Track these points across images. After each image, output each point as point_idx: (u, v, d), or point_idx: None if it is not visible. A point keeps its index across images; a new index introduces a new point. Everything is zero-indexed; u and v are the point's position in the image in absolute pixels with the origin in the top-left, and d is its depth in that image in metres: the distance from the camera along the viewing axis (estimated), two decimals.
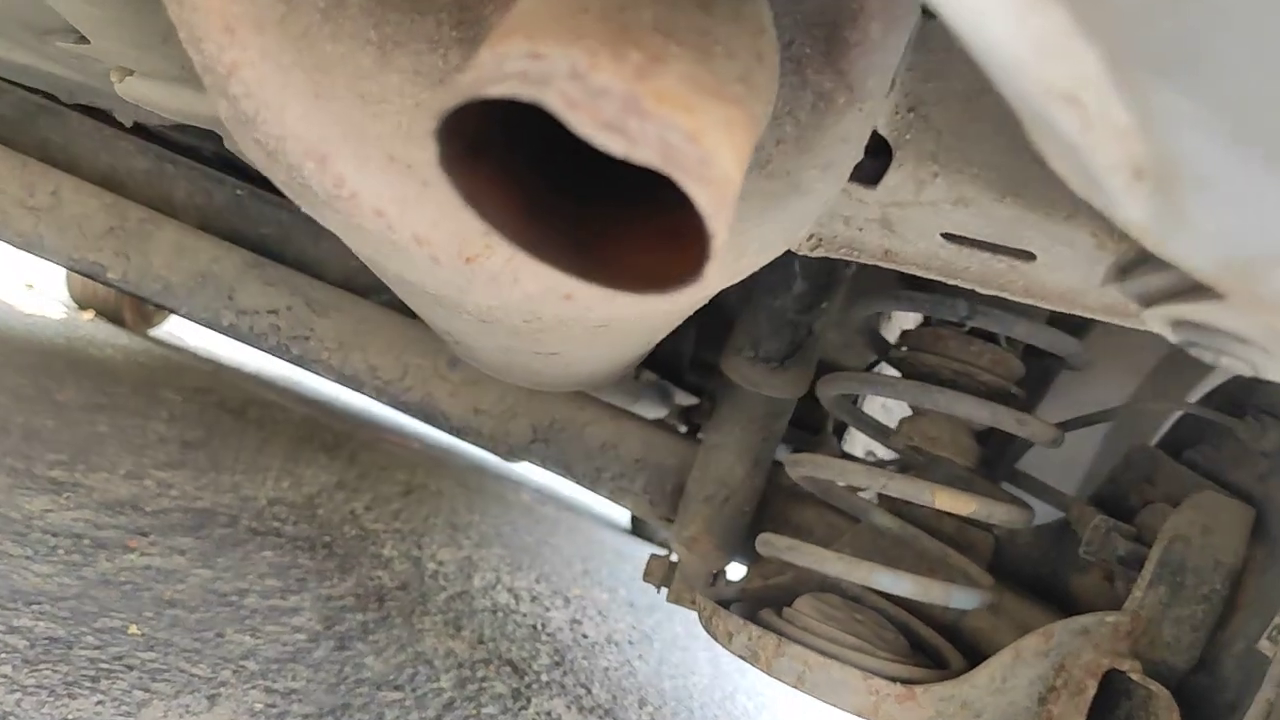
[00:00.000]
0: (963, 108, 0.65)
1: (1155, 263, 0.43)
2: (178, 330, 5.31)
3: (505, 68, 0.37)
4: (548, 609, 2.78)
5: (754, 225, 0.61)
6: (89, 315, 4.54)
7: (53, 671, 1.30)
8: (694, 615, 1.37)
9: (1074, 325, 1.33)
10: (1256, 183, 0.33)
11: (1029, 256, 0.71)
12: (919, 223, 0.69)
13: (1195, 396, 1.47)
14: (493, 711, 1.84)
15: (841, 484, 1.42)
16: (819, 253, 0.74)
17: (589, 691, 2.22)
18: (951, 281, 0.74)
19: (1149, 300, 0.44)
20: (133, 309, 4.60)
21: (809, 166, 0.60)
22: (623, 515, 5.83)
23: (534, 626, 2.53)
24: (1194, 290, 0.41)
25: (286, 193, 0.63)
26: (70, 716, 1.22)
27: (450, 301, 0.68)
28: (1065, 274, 0.70)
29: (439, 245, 0.58)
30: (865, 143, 0.65)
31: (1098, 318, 0.73)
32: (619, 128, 0.36)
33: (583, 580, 3.42)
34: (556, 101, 0.35)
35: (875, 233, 0.71)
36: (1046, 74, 0.31)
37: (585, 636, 2.69)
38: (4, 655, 1.29)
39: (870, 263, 0.74)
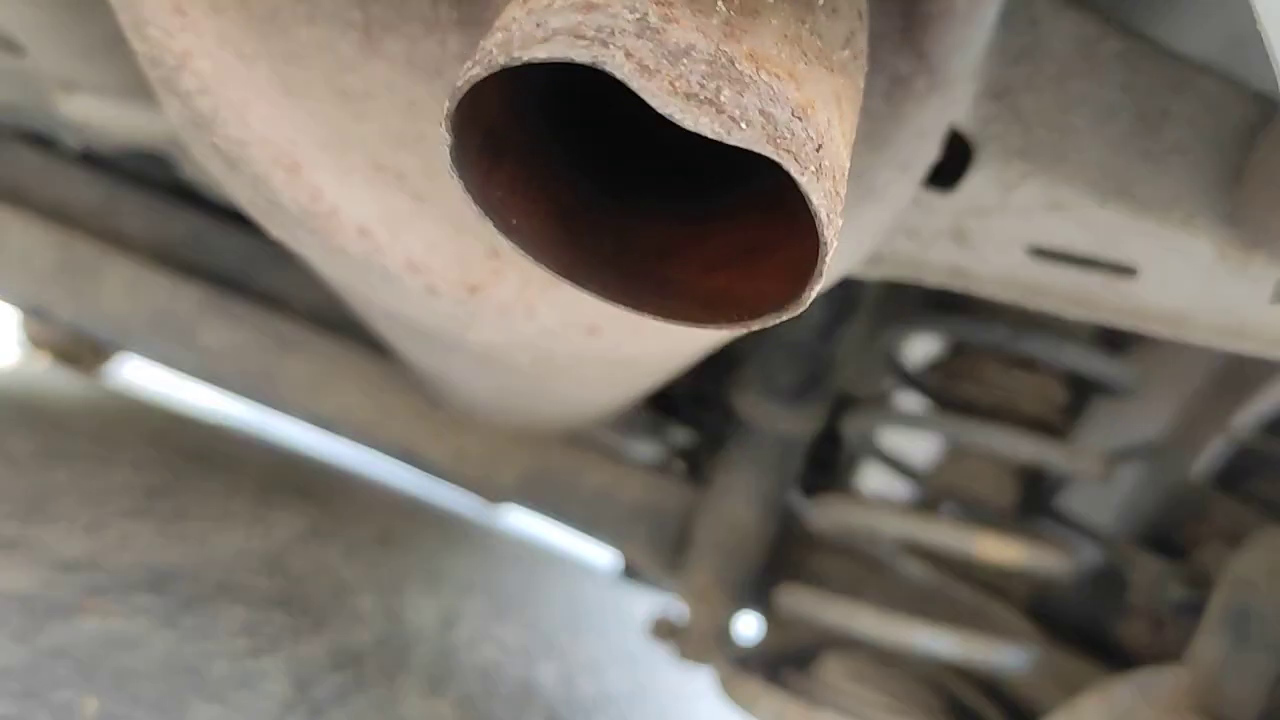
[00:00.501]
0: (1058, 94, 0.54)
1: None
2: (140, 373, 5.17)
3: (549, 24, 0.26)
4: (536, 662, 2.64)
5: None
6: (44, 358, 4.44)
7: None
8: (716, 688, 1.25)
9: (1114, 347, 1.23)
10: None
11: (1130, 272, 0.60)
12: (1001, 234, 0.58)
13: (1246, 422, 1.37)
14: None
15: (870, 531, 1.31)
16: (878, 273, 0.63)
17: None
18: (1033, 306, 0.63)
19: None
20: (89, 348, 4.50)
21: (883, 166, 0.49)
22: (613, 559, 5.69)
23: (523, 684, 2.39)
24: None
25: (250, 212, 0.52)
26: None
27: (448, 339, 0.57)
28: (1175, 290, 0.59)
29: (438, 271, 0.46)
30: (943, 138, 0.54)
31: (1208, 343, 0.63)
32: (709, 99, 0.25)
33: (571, 628, 3.29)
34: (623, 65, 0.25)
35: (946, 248, 0.59)
36: None
37: (578, 692, 2.56)
38: None
39: (936, 284, 0.63)
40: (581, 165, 0.37)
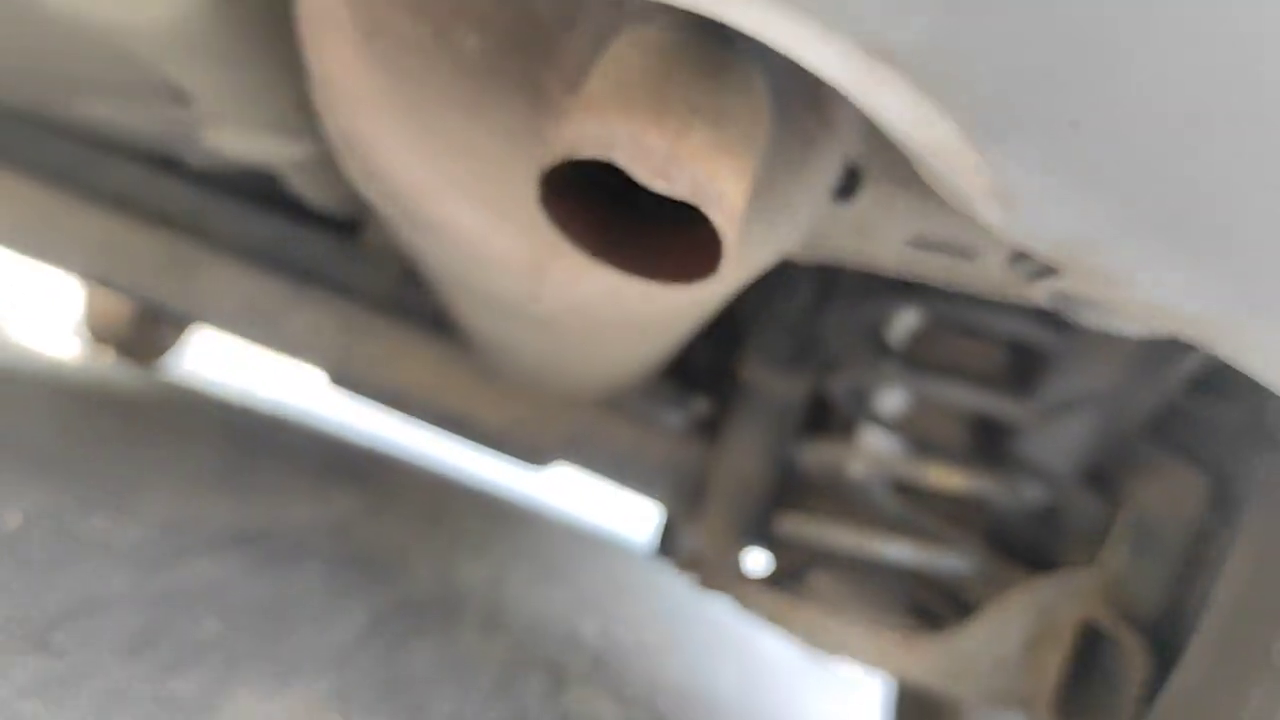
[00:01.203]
0: None
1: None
2: (196, 364, 5.50)
3: (585, 135, 0.54)
4: (578, 619, 2.93)
5: (754, 237, 0.77)
6: (106, 350, 4.73)
7: (149, 656, 1.45)
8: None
9: (1059, 321, 1.49)
10: (1056, 197, 0.50)
11: (968, 256, 0.87)
12: (887, 231, 0.86)
13: (1171, 379, 1.63)
14: (535, 701, 1.99)
15: (848, 468, 1.58)
16: (806, 258, 0.90)
17: (622, 688, 2.37)
18: (918, 279, 0.90)
19: (1032, 278, 0.61)
20: (148, 342, 4.79)
21: (797, 190, 0.76)
22: (642, 535, 5.97)
23: (565, 633, 2.68)
24: (1048, 269, 0.57)
25: (394, 225, 0.80)
26: (172, 694, 1.37)
27: (518, 305, 0.85)
28: (987, 267, 0.87)
29: (516, 259, 0.75)
30: (840, 168, 0.81)
31: (1015, 299, 0.90)
32: (664, 173, 0.52)
33: (610, 594, 3.58)
34: (622, 158, 0.52)
35: (853, 240, 0.87)
36: (922, 140, 0.48)
37: (616, 641, 2.84)
38: (107, 641, 1.45)
39: (853, 266, 0.90)
40: (609, 197, 0.65)
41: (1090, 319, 0.64)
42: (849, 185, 0.83)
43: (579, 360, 1.15)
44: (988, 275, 0.85)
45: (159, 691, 1.36)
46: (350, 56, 0.69)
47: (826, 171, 0.78)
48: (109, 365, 4.40)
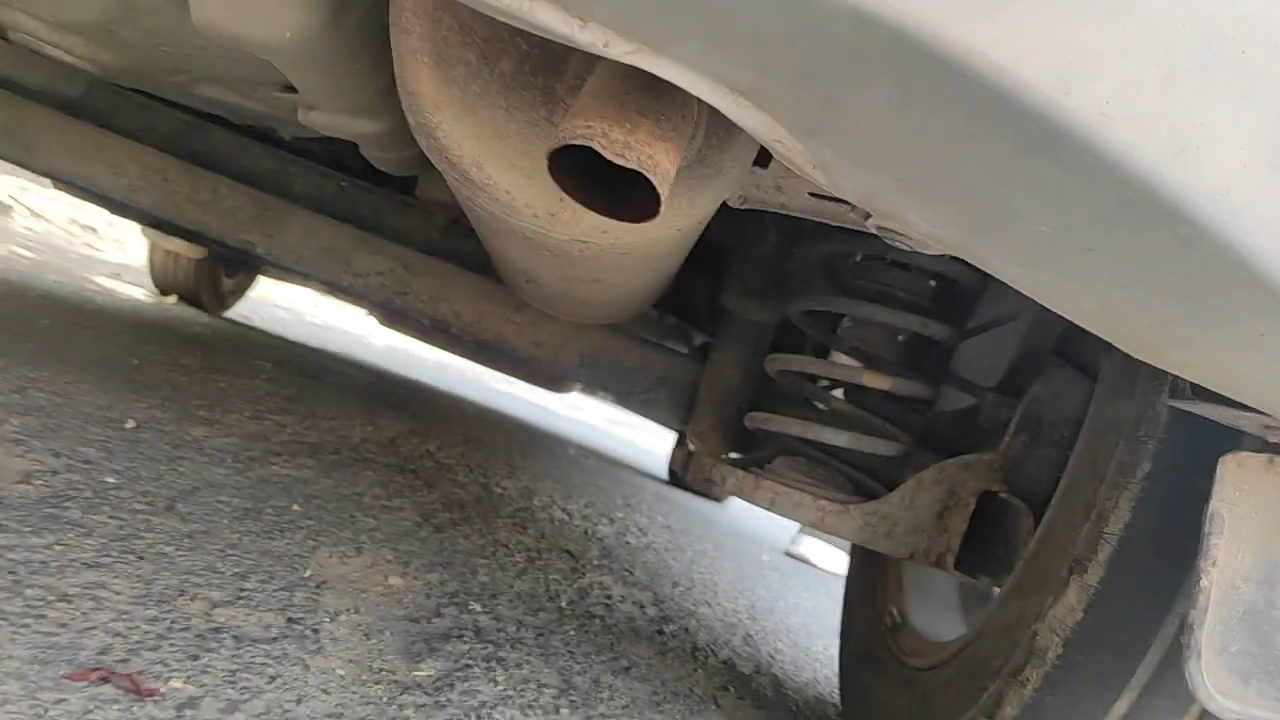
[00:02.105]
0: None
1: None
2: (245, 312, 5.91)
3: (576, 131, 0.90)
4: (596, 524, 3.33)
5: (696, 192, 1.13)
6: (172, 299, 5.12)
7: (253, 524, 1.85)
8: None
9: None
10: (849, 168, 0.86)
11: (847, 201, 1.23)
12: (793, 186, 1.22)
13: None
14: (557, 578, 2.39)
15: (802, 372, 1.96)
16: (745, 206, 1.26)
17: (632, 573, 2.77)
18: (817, 218, 1.26)
19: (863, 218, 0.96)
20: (210, 292, 5.19)
21: (725, 160, 1.13)
22: (660, 467, 6.39)
23: (585, 533, 3.08)
24: (864, 212, 0.93)
25: (452, 185, 1.17)
26: (270, 550, 1.77)
27: (538, 239, 1.22)
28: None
29: (538, 207, 1.12)
30: (757, 145, 1.17)
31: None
32: (621, 154, 0.89)
33: (624, 509, 3.98)
34: (598, 145, 0.89)
35: (773, 193, 1.23)
36: (767, 136, 0.84)
37: (628, 543, 3.24)
38: (216, 518, 1.84)
39: (772, 211, 1.26)
40: (595, 168, 1.02)
41: (903, 244, 1.00)
42: (764, 156, 1.19)
43: (586, 286, 1.52)
44: (852, 216, 1.20)
45: (264, 547, 1.76)
46: (426, 74, 1.05)
47: (748, 146, 1.14)
48: (175, 308, 4.81)
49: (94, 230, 7.11)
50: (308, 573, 1.71)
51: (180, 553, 1.56)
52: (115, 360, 2.84)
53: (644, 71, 0.86)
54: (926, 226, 0.90)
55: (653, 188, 0.93)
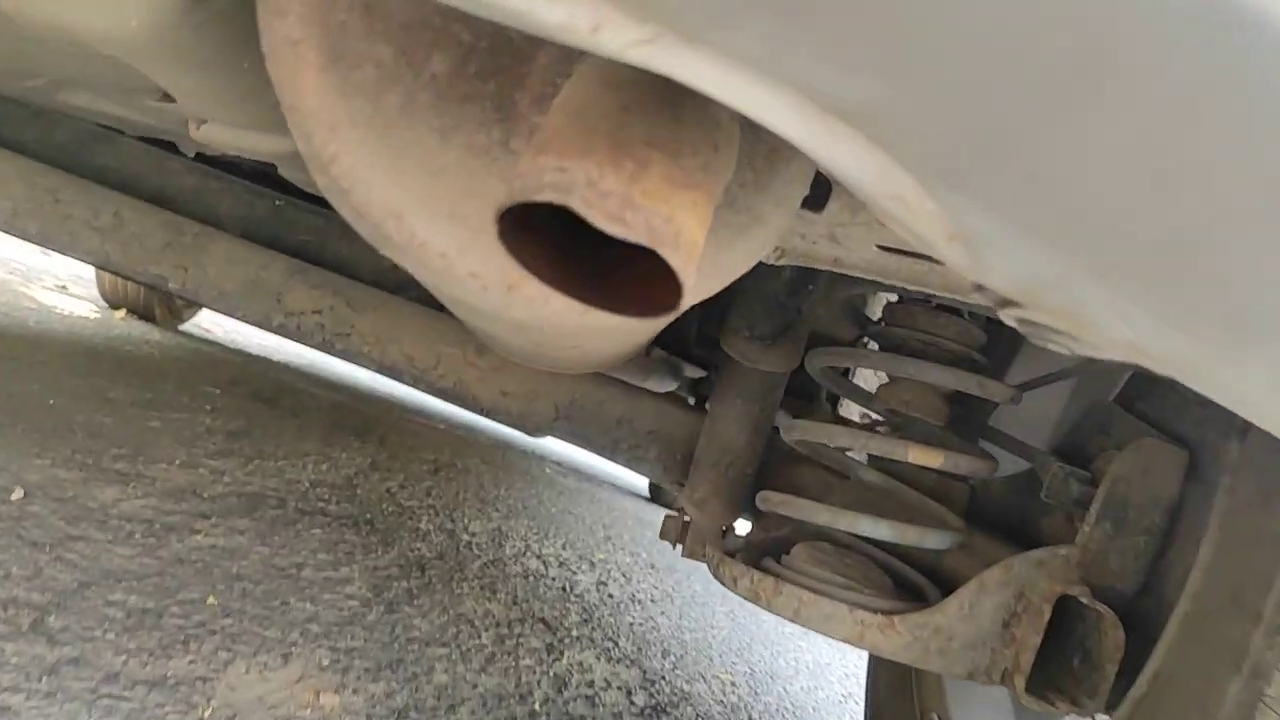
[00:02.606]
0: None
1: None
2: (206, 324, 5.53)
3: (543, 179, 0.55)
4: (575, 573, 2.98)
5: (726, 250, 0.79)
6: (121, 314, 4.75)
7: (149, 637, 1.50)
8: (709, 576, 1.57)
9: None
10: (1016, 243, 0.51)
11: (939, 260, 0.88)
12: (857, 238, 0.88)
13: None
14: (530, 663, 2.04)
15: (830, 445, 1.61)
16: (783, 262, 0.92)
17: (616, 644, 2.42)
18: (888, 283, 0.92)
19: (997, 305, 0.62)
20: (163, 306, 4.82)
21: (765, 202, 0.78)
22: (642, 483, 6.04)
23: (563, 588, 2.73)
24: (1010, 301, 0.59)
25: (371, 241, 0.82)
26: (169, 673, 1.42)
27: (494, 315, 0.87)
28: (955, 274, 0.88)
29: (488, 278, 0.77)
30: (810, 179, 0.83)
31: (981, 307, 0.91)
32: (619, 218, 0.54)
33: (606, 545, 3.63)
34: (578, 203, 0.54)
35: (826, 245, 0.89)
36: (878, 188, 0.50)
37: (611, 596, 2.89)
38: (107, 625, 1.49)
39: (826, 268, 0.92)
40: (571, 232, 0.67)
41: (1056, 346, 0.66)
42: (819, 195, 0.85)
43: (561, 352, 1.17)
44: (957, 282, 0.87)
45: (156, 672, 1.40)
46: (314, 79, 0.70)
47: (796, 183, 0.80)
48: (122, 325, 4.44)
49: None
50: (209, 709, 1.35)
51: (30, 703, 1.20)
52: (26, 401, 2.47)
53: (651, 76, 0.53)
54: (1128, 331, 0.56)
55: (668, 266, 0.59)
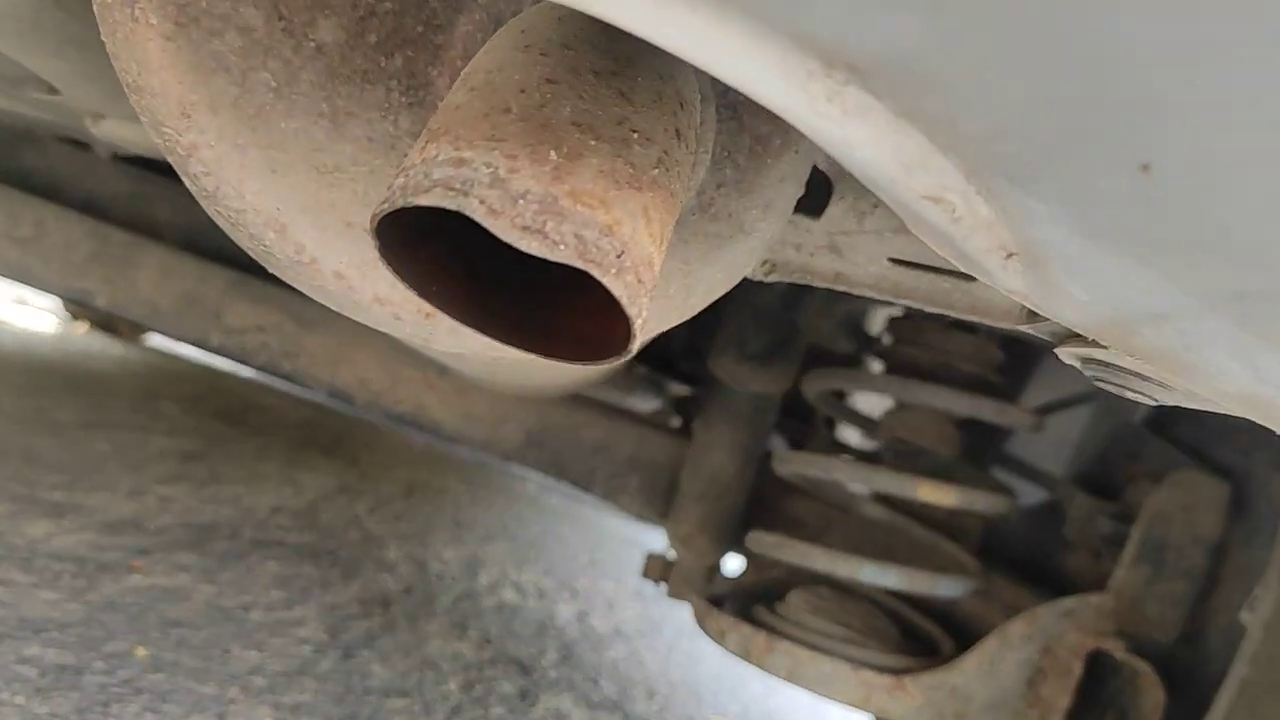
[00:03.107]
0: None
1: None
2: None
3: (432, 175, 0.38)
4: (554, 603, 2.81)
5: (700, 266, 0.62)
6: (83, 328, 4.59)
7: (64, 699, 1.33)
8: (695, 624, 1.40)
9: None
10: (1110, 264, 0.35)
11: (969, 277, 0.72)
12: (865, 248, 0.71)
13: None
14: (501, 712, 1.87)
15: (823, 478, 1.45)
16: (774, 278, 0.76)
17: (597, 685, 2.25)
18: (900, 302, 0.75)
19: (1057, 340, 0.46)
20: (128, 320, 4.64)
21: (751, 207, 0.61)
22: None
23: (541, 622, 2.56)
24: (1084, 338, 0.43)
25: (253, 256, 0.65)
26: None
27: (418, 345, 0.70)
28: (992, 293, 0.72)
29: (400, 304, 0.60)
30: (806, 179, 0.66)
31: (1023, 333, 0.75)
32: (537, 229, 0.37)
33: (589, 571, 3.45)
34: (478, 210, 0.37)
35: (825, 258, 0.72)
36: (910, 184, 0.33)
37: (593, 629, 2.72)
38: (17, 685, 1.32)
39: (824, 286, 0.76)
40: (485, 249, 0.50)
41: (1136, 396, 0.50)
42: (817, 197, 0.68)
43: (516, 380, 1.01)
44: (992, 304, 0.71)
45: None
46: (157, 53, 0.53)
47: (789, 182, 0.63)
48: (82, 339, 4.26)
49: None
50: None
51: None
52: None
53: (589, 32, 0.35)
54: (1260, 384, 0.40)
55: (613, 300, 0.42)
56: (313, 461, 3.39)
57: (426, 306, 0.60)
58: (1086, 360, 0.48)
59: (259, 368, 1.74)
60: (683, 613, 3.47)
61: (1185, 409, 1.35)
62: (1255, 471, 1.24)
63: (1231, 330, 0.39)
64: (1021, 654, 1.19)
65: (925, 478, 1.21)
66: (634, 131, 0.43)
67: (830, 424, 1.98)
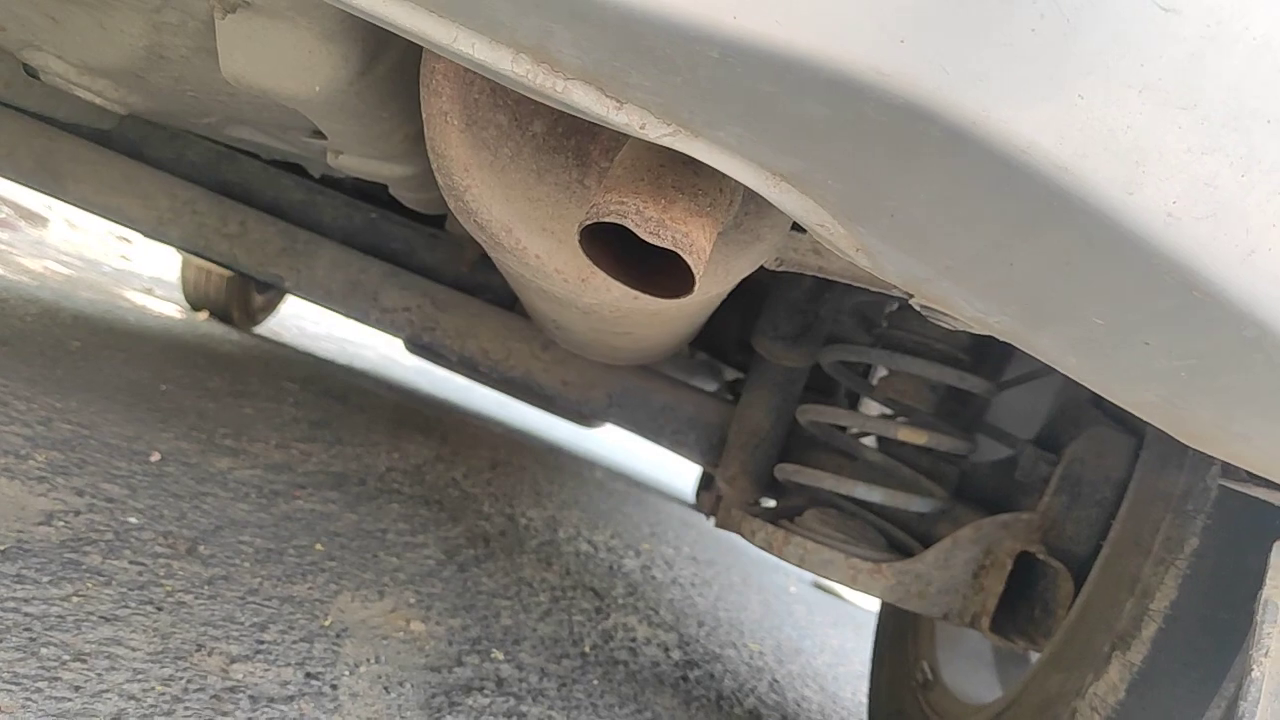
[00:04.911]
0: None
1: None
2: (276, 327, 5.92)
3: (609, 207, 0.87)
4: (621, 557, 3.29)
5: (733, 258, 1.10)
6: (204, 315, 5.14)
7: (275, 567, 1.83)
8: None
9: None
10: (898, 256, 0.82)
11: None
12: (833, 251, 1.18)
13: None
14: (581, 619, 2.35)
15: (834, 425, 1.91)
16: (782, 269, 1.23)
17: (657, 612, 2.73)
18: (858, 284, 1.22)
19: (905, 294, 0.93)
20: (240, 310, 5.20)
21: (763, 226, 1.09)
22: (687, 490, 6.34)
23: (611, 567, 3.04)
24: (907, 291, 0.90)
25: (485, 248, 1.14)
26: (294, 594, 1.74)
27: (569, 300, 1.19)
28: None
29: (568, 272, 1.09)
30: None
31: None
32: (656, 234, 0.85)
33: (651, 539, 3.94)
34: (631, 223, 0.85)
35: (811, 256, 1.19)
36: (809, 219, 0.81)
37: (653, 578, 3.20)
38: (241, 556, 1.82)
39: (813, 274, 1.23)
40: (626, 242, 0.98)
41: (947, 324, 0.96)
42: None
43: (616, 337, 1.49)
44: (877, 278, 1.16)
45: (285, 592, 1.73)
46: (456, 138, 1.03)
47: (783, 214, 1.11)
48: (205, 325, 4.82)
49: (129, 241, 7.15)
50: (328, 620, 1.68)
51: (199, 601, 1.53)
52: (143, 386, 2.83)
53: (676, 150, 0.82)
54: (974, 312, 0.87)
55: (687, 264, 0.89)
56: (412, 436, 3.90)
57: (585, 272, 1.09)
58: (923, 306, 0.94)
59: (405, 338, 2.24)
60: (731, 576, 3.94)
61: None
62: (1153, 431, 1.68)
63: (951, 286, 0.85)
64: (969, 553, 1.65)
65: (904, 422, 1.67)
66: (700, 191, 0.91)
67: (853, 401, 2.44)
